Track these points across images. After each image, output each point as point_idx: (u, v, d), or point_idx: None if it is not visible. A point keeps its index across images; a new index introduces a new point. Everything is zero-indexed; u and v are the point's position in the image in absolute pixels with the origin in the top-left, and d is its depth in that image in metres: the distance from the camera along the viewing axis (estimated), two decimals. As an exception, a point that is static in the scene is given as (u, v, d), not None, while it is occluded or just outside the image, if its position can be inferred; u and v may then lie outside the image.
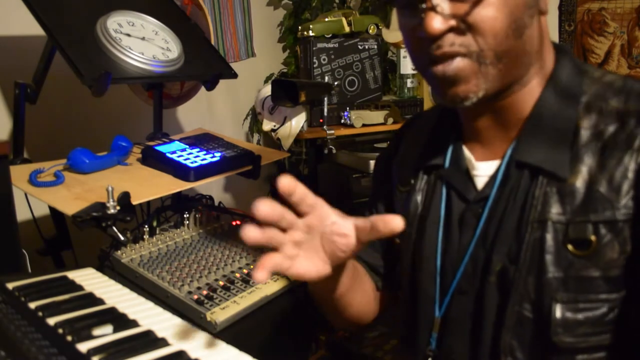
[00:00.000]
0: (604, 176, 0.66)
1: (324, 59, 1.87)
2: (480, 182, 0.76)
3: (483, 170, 0.76)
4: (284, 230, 0.64)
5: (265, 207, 0.60)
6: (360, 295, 0.89)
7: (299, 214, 0.65)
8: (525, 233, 0.69)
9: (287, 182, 0.61)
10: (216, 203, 1.49)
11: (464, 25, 0.65)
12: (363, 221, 0.64)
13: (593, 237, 0.66)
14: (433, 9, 0.64)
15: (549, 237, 0.68)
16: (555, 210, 0.68)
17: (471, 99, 0.69)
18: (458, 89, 0.68)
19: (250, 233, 0.59)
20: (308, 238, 0.66)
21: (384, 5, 0.77)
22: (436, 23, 0.64)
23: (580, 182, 0.67)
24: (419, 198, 0.83)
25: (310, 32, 1.87)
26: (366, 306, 0.93)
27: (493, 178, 0.74)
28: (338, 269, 0.73)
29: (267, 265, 0.60)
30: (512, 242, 0.70)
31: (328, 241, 0.66)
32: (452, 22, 0.65)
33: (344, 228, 0.65)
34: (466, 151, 0.79)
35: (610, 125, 0.68)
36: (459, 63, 0.66)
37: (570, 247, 0.67)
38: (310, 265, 0.66)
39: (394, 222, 0.61)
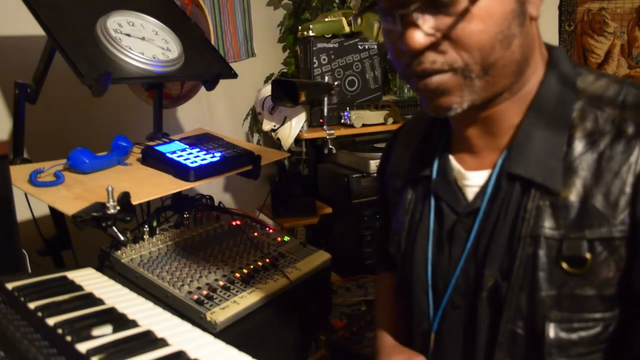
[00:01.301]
0: (599, 190, 0.63)
1: (324, 59, 1.87)
2: (471, 192, 0.73)
3: (474, 180, 0.73)
4: None
5: None
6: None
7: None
8: (517, 248, 0.66)
9: None
10: (216, 203, 1.49)
11: (447, 41, 0.61)
12: None
13: (588, 255, 0.63)
14: (414, 22, 0.61)
15: (542, 254, 0.65)
16: (548, 225, 0.65)
17: (455, 110, 0.66)
18: (441, 100, 0.66)
19: None
20: None
21: (367, 10, 0.73)
22: (417, 38, 0.60)
23: (574, 196, 0.64)
24: (408, 209, 0.81)
25: (310, 32, 1.87)
26: None
27: (484, 189, 0.71)
28: None
29: None
30: (504, 257, 0.68)
31: None
32: (434, 38, 0.61)
33: None
34: (454, 161, 0.76)
35: (606, 134, 0.64)
36: (442, 77, 0.63)
37: (564, 264, 0.64)
38: None
39: None
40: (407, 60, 0.64)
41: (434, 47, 0.62)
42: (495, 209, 0.69)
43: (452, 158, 0.76)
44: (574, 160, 0.65)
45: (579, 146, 0.65)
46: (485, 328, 0.70)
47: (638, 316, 0.64)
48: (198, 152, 1.35)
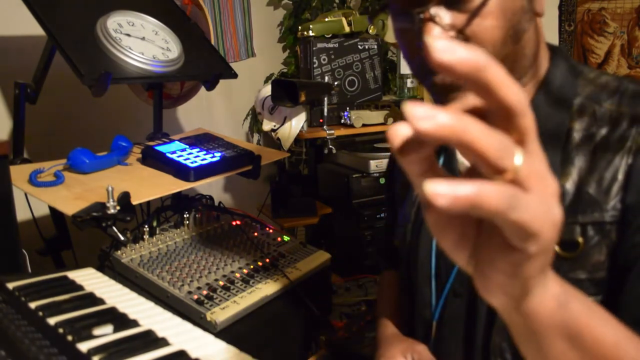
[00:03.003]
0: (593, 178, 0.66)
1: (324, 59, 1.87)
2: None
3: None
4: None
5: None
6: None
7: None
8: None
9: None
10: (216, 203, 1.49)
11: (462, 37, 0.64)
12: None
13: (580, 239, 0.65)
14: (431, 19, 0.63)
15: None
16: None
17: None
18: (456, 95, 0.67)
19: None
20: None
21: (379, 11, 0.75)
22: (435, 34, 0.63)
23: (570, 184, 0.67)
24: (415, 202, 0.84)
25: (310, 32, 1.87)
26: None
27: None
28: None
29: None
30: None
31: None
32: (451, 33, 0.63)
33: None
34: (458, 154, 0.79)
35: (603, 127, 0.67)
36: None
37: (557, 248, 0.66)
38: None
39: None
40: (424, 56, 0.65)
41: None
42: None
43: (457, 150, 0.77)
44: (572, 151, 0.68)
45: (576, 138, 0.68)
46: (484, 314, 0.72)
47: (621, 288, 0.65)
48: (198, 152, 1.35)
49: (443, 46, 0.31)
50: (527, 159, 0.33)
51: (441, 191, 0.29)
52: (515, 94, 0.32)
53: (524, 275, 0.37)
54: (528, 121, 0.33)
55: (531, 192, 0.33)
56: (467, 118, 0.31)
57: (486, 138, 0.31)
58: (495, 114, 0.33)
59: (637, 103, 0.67)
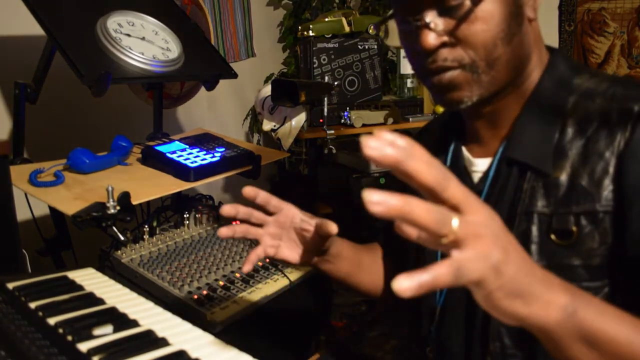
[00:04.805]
0: (585, 170, 0.70)
1: (324, 59, 1.87)
2: (477, 177, 0.82)
3: (479, 166, 0.81)
4: (260, 226, 0.81)
5: (229, 209, 0.78)
6: (368, 277, 0.99)
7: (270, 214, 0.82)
8: (513, 225, 0.73)
9: (248, 191, 0.80)
10: (216, 203, 1.49)
11: (455, 40, 0.70)
12: (319, 220, 0.80)
13: (574, 228, 0.70)
14: (427, 26, 0.69)
15: (534, 229, 0.72)
16: (540, 203, 0.72)
17: (466, 103, 0.74)
18: (453, 94, 0.73)
19: (223, 230, 0.75)
20: (284, 232, 0.83)
21: (386, 20, 0.82)
22: (430, 39, 0.69)
23: (564, 176, 0.71)
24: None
25: (310, 32, 1.87)
26: (377, 284, 1.02)
27: (486, 174, 0.80)
28: (326, 258, 0.87)
29: (252, 258, 0.78)
30: None
31: (300, 235, 0.83)
32: (445, 38, 0.70)
33: (307, 225, 0.82)
34: (464, 150, 0.84)
35: (594, 121, 0.71)
36: (452, 73, 0.72)
37: (553, 237, 0.71)
38: (291, 252, 0.83)
39: (329, 227, 0.77)
40: (422, 59, 0.73)
41: (444, 46, 0.71)
42: (496, 191, 0.77)
43: (463, 148, 0.85)
44: (565, 145, 0.72)
45: (569, 133, 0.72)
46: None
47: (633, 281, 0.68)
48: (198, 152, 1.35)
49: (373, 144, 0.41)
50: (462, 221, 0.43)
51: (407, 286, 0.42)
52: (432, 177, 0.41)
53: (499, 306, 0.49)
54: (451, 192, 0.43)
55: (468, 248, 0.44)
56: (411, 200, 0.40)
57: (425, 214, 0.40)
58: (425, 192, 0.43)
59: (627, 98, 0.71)
